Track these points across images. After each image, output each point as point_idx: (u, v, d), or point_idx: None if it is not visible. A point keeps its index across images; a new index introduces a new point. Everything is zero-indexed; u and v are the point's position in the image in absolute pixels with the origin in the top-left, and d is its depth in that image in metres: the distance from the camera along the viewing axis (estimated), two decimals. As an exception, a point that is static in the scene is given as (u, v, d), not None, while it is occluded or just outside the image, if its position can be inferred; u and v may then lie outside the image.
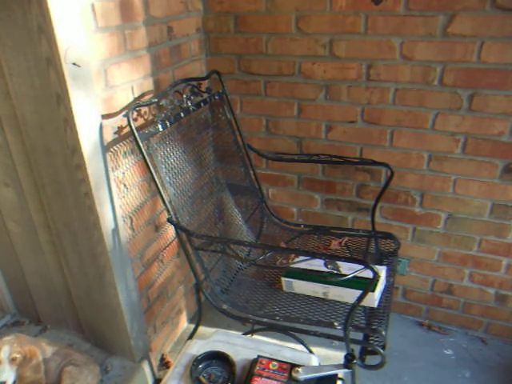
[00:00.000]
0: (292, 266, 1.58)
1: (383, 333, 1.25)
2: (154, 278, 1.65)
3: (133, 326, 1.52)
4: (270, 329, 1.42)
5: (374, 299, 1.37)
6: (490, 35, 1.36)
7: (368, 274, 1.06)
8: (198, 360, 1.15)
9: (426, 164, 1.63)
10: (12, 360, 1.26)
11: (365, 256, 1.66)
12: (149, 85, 1.43)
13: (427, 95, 1.51)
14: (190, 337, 1.57)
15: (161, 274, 1.70)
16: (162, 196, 1.29)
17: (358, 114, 1.64)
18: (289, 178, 1.89)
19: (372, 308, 1.39)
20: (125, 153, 1.37)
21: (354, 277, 1.10)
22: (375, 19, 1.46)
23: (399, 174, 1.67)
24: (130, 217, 1.44)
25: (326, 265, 1.46)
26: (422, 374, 1.71)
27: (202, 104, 1.55)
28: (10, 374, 1.25)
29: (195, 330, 1.58)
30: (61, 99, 1.10)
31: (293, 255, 1.67)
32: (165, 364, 1.78)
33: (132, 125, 1.22)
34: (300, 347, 1.49)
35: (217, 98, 1.64)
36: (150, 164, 1.26)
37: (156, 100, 1.35)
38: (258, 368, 1.12)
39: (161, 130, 1.34)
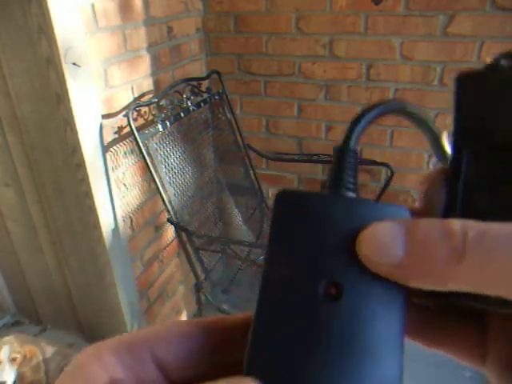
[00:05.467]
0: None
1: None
2: (154, 278, 1.65)
3: (133, 326, 1.52)
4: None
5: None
6: (490, 35, 1.36)
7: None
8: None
9: (425, 164, 1.63)
10: (12, 360, 1.26)
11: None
12: (149, 85, 1.43)
13: (427, 95, 1.51)
14: (190, 337, 1.57)
15: (161, 274, 1.70)
16: (162, 196, 1.29)
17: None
18: (289, 178, 1.89)
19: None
20: (125, 153, 1.37)
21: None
22: (375, 19, 1.46)
23: (399, 174, 1.67)
24: (130, 217, 1.44)
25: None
26: (422, 374, 1.71)
27: (202, 104, 1.55)
28: (10, 374, 1.25)
29: (195, 330, 1.58)
30: (61, 99, 1.10)
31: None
32: (165, 364, 1.78)
33: (132, 125, 1.22)
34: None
35: (217, 98, 1.64)
36: (150, 164, 1.26)
37: (156, 100, 1.35)
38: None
39: (161, 129, 1.34)
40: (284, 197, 0.19)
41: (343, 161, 0.20)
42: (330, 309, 0.18)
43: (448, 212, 0.20)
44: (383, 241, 0.17)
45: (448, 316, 0.21)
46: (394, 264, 0.17)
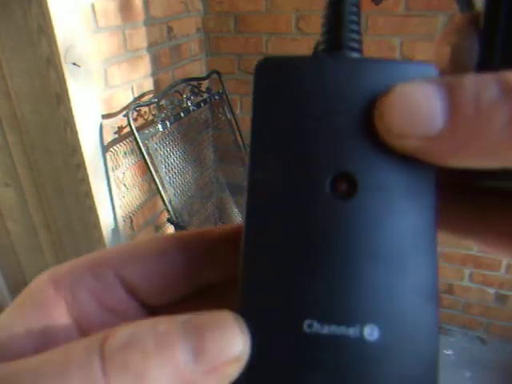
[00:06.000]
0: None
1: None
2: (153, 278, 1.65)
3: (133, 325, 1.52)
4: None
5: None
6: (489, 35, 1.36)
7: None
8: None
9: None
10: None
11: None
12: (149, 85, 1.43)
13: (427, 95, 1.51)
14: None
15: (161, 273, 1.69)
16: (162, 196, 1.29)
17: (357, 114, 1.64)
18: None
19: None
20: (125, 153, 1.37)
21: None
22: (375, 19, 1.46)
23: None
24: (130, 217, 1.44)
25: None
26: (422, 373, 1.71)
27: (202, 104, 1.55)
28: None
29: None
30: (61, 99, 1.10)
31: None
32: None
33: (132, 125, 1.22)
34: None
35: (217, 98, 1.64)
36: (150, 164, 1.26)
37: (156, 100, 1.35)
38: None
39: (161, 130, 1.34)
40: (267, 66, 0.14)
41: (342, 10, 0.14)
42: (342, 210, 0.13)
43: (483, 70, 0.14)
44: (414, 104, 0.12)
45: (479, 199, 0.16)
46: (431, 135, 0.12)
